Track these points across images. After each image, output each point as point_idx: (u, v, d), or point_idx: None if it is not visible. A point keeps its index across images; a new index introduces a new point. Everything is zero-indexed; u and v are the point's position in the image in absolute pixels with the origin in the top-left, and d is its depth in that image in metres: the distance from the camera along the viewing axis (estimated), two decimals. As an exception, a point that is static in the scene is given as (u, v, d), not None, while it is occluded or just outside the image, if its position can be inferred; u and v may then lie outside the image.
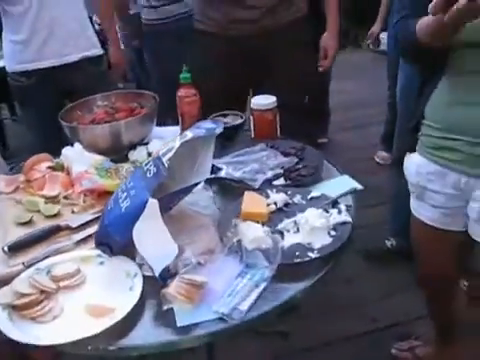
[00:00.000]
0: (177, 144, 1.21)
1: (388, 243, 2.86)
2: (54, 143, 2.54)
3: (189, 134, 1.24)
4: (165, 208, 1.23)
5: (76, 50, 2.49)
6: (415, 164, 1.63)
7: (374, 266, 2.80)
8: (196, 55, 2.40)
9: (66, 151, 1.71)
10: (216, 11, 2.31)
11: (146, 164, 1.26)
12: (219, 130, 1.26)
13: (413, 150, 1.64)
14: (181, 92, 1.92)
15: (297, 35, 2.28)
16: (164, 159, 1.21)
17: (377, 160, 3.99)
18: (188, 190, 1.32)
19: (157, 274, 1.11)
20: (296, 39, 2.28)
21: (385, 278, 2.71)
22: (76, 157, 1.64)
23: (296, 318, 2.13)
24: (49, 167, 1.68)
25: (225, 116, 1.92)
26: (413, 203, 1.72)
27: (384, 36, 3.93)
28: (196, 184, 1.32)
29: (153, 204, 1.18)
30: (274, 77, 2.29)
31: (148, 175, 1.23)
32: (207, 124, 1.29)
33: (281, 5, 2.25)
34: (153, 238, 1.16)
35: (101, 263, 1.30)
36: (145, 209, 1.17)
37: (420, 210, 1.70)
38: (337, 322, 2.45)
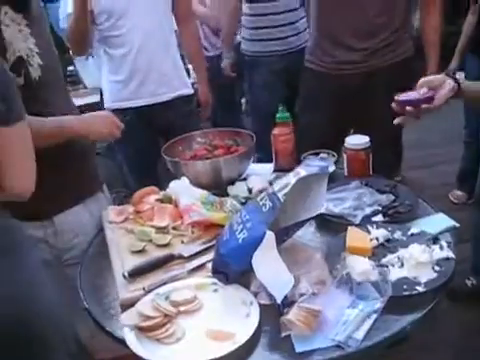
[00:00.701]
0: (292, 181, 1.30)
1: (469, 282, 2.86)
2: (146, 176, 2.72)
3: (303, 172, 1.33)
4: (279, 240, 1.31)
5: (169, 90, 2.66)
6: None
7: (455, 304, 2.80)
8: (303, 90, 2.62)
9: (174, 184, 1.82)
10: (325, 54, 2.45)
11: (261, 199, 1.35)
12: (332, 168, 1.34)
13: None
14: (276, 131, 2.02)
15: (400, 76, 2.36)
16: (279, 194, 1.30)
17: (452, 199, 3.97)
18: (301, 225, 1.40)
19: (279, 301, 1.19)
20: (398, 79, 2.36)
21: (466, 317, 2.70)
22: (183, 190, 1.75)
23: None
24: (157, 199, 1.80)
25: (317, 154, 2.00)
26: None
27: (461, 75, 3.94)
28: (308, 219, 1.40)
29: (270, 236, 1.27)
30: (371, 115, 2.37)
31: (264, 209, 1.32)
32: (318, 162, 1.38)
33: (387, 47, 2.35)
34: (270, 268, 1.25)
35: (215, 290, 1.38)
36: (263, 241, 1.26)
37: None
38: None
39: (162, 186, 1.91)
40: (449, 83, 1.56)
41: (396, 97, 1.59)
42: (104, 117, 1.90)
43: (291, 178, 1.32)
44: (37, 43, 1.72)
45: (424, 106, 1.53)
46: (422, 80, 1.59)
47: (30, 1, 1.74)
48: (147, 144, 2.69)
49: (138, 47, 2.53)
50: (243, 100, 5.78)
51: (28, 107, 1.59)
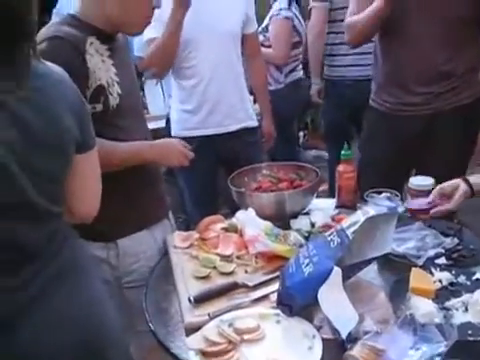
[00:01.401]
0: (361, 219, 1.33)
1: None
2: (206, 204, 2.78)
3: (372, 211, 1.35)
4: (344, 277, 1.33)
5: (236, 121, 2.73)
6: None
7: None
8: (366, 127, 2.67)
9: (239, 214, 1.87)
10: (389, 95, 2.49)
11: (329, 235, 1.39)
12: (400, 209, 1.37)
13: None
14: (341, 167, 2.06)
15: (465, 118, 2.37)
16: (348, 232, 1.34)
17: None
18: (366, 263, 1.42)
19: (344, 336, 1.21)
20: (463, 122, 2.37)
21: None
22: (249, 221, 1.80)
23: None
24: (223, 228, 1.85)
25: (380, 193, 2.02)
26: None
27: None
28: (375, 258, 1.42)
29: (337, 272, 1.29)
30: (434, 156, 2.38)
31: (332, 245, 1.35)
32: (387, 202, 1.40)
33: (452, 91, 2.37)
34: (336, 303, 1.27)
35: (278, 321, 1.41)
36: (330, 276, 1.29)
37: None
38: None
39: (217, 212, 1.97)
40: (462, 188, 1.71)
41: (406, 205, 1.76)
42: (175, 146, 1.97)
43: (360, 216, 1.35)
44: (118, 73, 1.82)
45: (436, 210, 1.73)
46: (436, 188, 1.77)
47: (115, 35, 1.85)
48: (210, 173, 2.77)
49: (208, 79, 2.62)
50: (301, 133, 5.86)
51: (105, 132, 1.68)
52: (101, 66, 1.76)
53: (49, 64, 1.23)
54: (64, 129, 1.20)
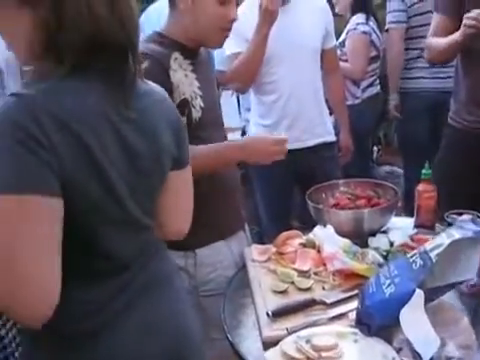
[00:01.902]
0: (446, 242, 1.32)
1: None
2: (280, 217, 2.80)
3: (457, 234, 1.34)
4: (426, 300, 1.32)
5: (314, 136, 2.75)
6: None
7: None
8: (444, 145, 2.65)
9: (318, 230, 1.89)
10: (469, 114, 2.47)
11: (411, 256, 1.38)
12: (487, 234, 1.34)
13: None
14: (420, 187, 2.03)
15: None
16: (432, 254, 1.32)
17: None
18: (449, 288, 1.40)
19: (426, 360, 1.20)
20: None
21: None
22: (327, 238, 1.81)
23: None
24: (301, 243, 1.87)
25: (460, 214, 1.98)
26: None
27: None
28: (460, 283, 1.40)
29: (419, 295, 1.29)
30: None
31: (414, 266, 1.35)
32: (472, 225, 1.38)
33: None
34: (418, 326, 1.26)
35: (355, 341, 1.41)
36: (412, 298, 1.28)
37: None
38: None
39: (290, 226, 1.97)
40: None
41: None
42: (266, 145, 1.91)
43: (444, 239, 1.34)
44: (201, 87, 1.87)
45: None
46: None
47: (197, 49, 1.91)
48: (286, 187, 2.80)
49: (288, 94, 2.65)
50: (375, 148, 5.79)
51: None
52: (184, 80, 1.82)
53: (150, 83, 1.27)
54: (163, 147, 1.24)
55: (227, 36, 1.91)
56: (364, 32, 3.85)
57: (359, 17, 3.90)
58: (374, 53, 3.99)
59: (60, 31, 1.05)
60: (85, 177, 1.05)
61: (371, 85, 4.09)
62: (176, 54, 1.83)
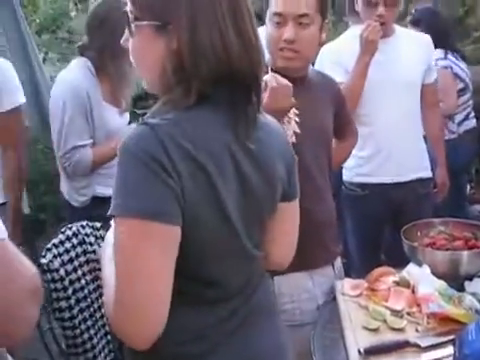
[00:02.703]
0: None
1: None
2: (370, 250, 2.76)
3: None
4: None
5: (409, 171, 2.70)
6: None
7: None
8: None
9: (412, 269, 1.85)
10: None
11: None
12: None
13: None
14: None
15: None
16: None
17: None
18: None
19: None
20: None
21: None
22: (423, 278, 1.77)
23: None
24: (394, 281, 1.84)
25: None
26: None
27: None
28: None
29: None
30: None
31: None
32: None
33: None
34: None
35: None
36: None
37: None
38: None
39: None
40: None
41: None
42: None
43: None
44: (299, 113, 1.89)
45: None
46: None
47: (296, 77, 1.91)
48: (379, 221, 2.75)
49: (385, 128, 2.63)
50: (467, 186, 5.60)
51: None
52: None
53: (266, 115, 1.29)
54: (276, 179, 1.26)
55: (287, 56, 1.91)
56: (445, 67, 3.79)
57: (438, 52, 3.82)
58: (461, 85, 3.90)
59: (192, 60, 1.10)
60: (204, 206, 1.09)
61: (466, 118, 4.00)
62: None
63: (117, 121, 2.61)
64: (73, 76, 2.54)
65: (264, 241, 1.32)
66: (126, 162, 1.06)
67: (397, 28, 2.73)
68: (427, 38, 2.83)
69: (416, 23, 3.84)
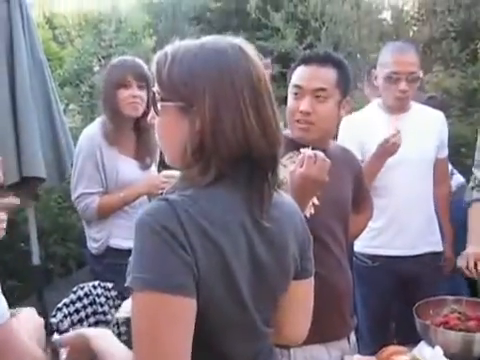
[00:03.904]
0: None
1: None
2: (379, 324, 2.73)
3: None
4: None
5: (421, 244, 2.70)
6: None
7: None
8: None
9: (424, 350, 1.83)
10: None
11: None
12: None
13: None
14: None
15: None
16: None
17: None
18: None
19: None
20: None
21: None
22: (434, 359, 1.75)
23: None
24: (405, 362, 1.82)
25: None
26: None
27: None
28: None
29: None
30: None
31: None
32: None
33: None
34: None
35: None
36: None
37: None
38: None
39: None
40: None
41: None
42: None
43: None
44: None
45: None
46: None
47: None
48: (388, 293, 2.73)
49: (400, 201, 2.64)
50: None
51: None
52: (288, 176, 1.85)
53: (281, 193, 1.31)
54: (289, 258, 1.27)
55: (302, 128, 1.95)
56: None
57: None
58: None
59: (212, 141, 1.13)
60: (216, 280, 1.11)
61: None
62: (291, 154, 1.89)
63: (134, 174, 2.70)
64: (91, 129, 2.73)
65: (277, 318, 1.32)
66: (143, 235, 1.09)
67: (413, 103, 2.77)
68: (440, 114, 2.87)
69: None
